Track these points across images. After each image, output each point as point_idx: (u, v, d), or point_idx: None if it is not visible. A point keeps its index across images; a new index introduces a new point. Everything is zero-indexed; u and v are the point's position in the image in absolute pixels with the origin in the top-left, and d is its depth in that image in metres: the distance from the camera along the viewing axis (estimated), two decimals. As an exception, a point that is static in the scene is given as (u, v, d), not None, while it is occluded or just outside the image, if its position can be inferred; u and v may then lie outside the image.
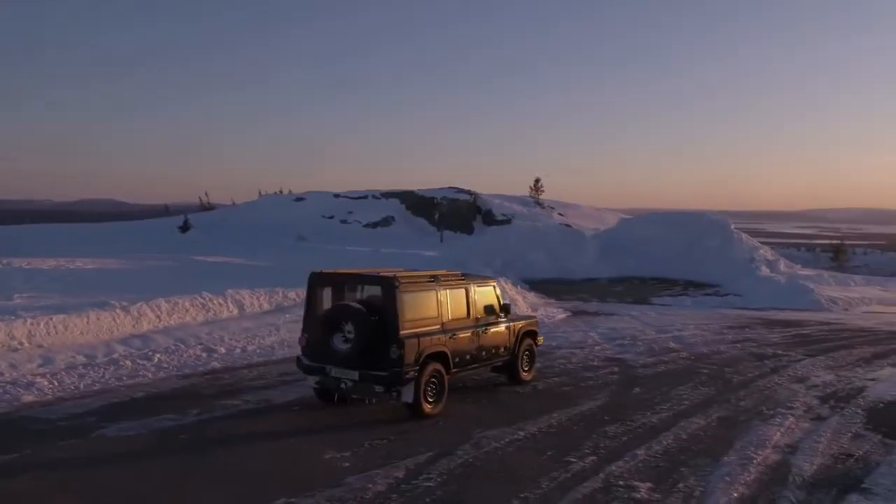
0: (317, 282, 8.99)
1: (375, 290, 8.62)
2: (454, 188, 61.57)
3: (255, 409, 8.93)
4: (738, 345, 14.44)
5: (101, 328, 12.16)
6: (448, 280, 9.25)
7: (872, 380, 11.41)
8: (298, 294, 15.85)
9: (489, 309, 9.83)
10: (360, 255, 36.10)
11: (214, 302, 14.27)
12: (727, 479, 6.61)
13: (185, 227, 40.75)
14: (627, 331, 15.88)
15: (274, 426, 8.27)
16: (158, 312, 13.19)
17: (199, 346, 12.30)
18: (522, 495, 6.13)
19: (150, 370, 10.83)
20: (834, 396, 10.17)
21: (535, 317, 11.66)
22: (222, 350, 12.26)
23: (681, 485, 6.47)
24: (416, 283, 8.69)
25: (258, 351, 12.48)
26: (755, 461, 7.15)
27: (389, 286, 8.33)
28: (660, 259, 33.58)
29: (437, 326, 8.77)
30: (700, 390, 10.27)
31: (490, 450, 7.36)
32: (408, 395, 8.31)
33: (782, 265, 34.97)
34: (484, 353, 9.61)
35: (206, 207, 57.15)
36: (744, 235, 36.85)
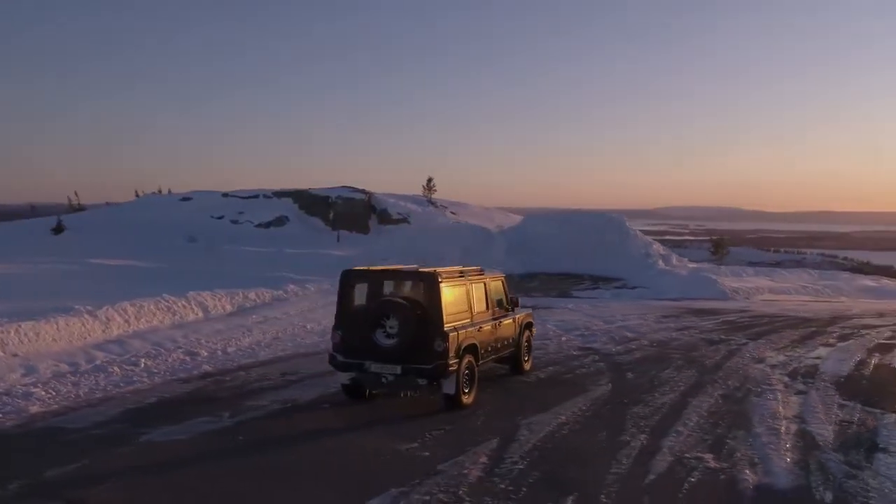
0: (350, 279, 9.05)
1: (416, 286, 8.82)
2: (348, 187, 61.23)
3: (285, 408, 8.85)
4: (684, 332, 15.61)
5: (72, 334, 11.54)
6: (472, 275, 9.58)
7: (817, 358, 12.79)
8: (258, 295, 15.65)
9: (500, 302, 10.25)
10: (265, 255, 35.35)
11: (178, 304, 13.79)
12: (771, 446, 7.39)
13: (58, 229, 38.02)
14: (578, 322, 16.72)
15: (320, 423, 8.26)
16: (126, 316, 12.63)
17: (180, 350, 11.91)
18: (614, 471, 6.61)
19: (143, 376, 10.41)
20: (798, 374, 11.35)
21: (530, 309, 12.15)
22: (204, 353, 11.93)
23: (737, 454, 7.17)
24: (452, 278, 8.97)
25: (240, 353, 12.22)
26: (781, 431, 8.00)
27: (433, 281, 8.56)
28: (563, 255, 35.23)
29: (468, 320, 9.08)
30: (685, 373, 11.15)
31: (547, 434, 7.77)
32: (449, 386, 8.58)
33: (674, 259, 37.56)
34: (499, 345, 10.01)
35: (76, 208, 53.58)
36: (638, 232, 39.28)
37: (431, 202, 64.63)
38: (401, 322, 8.36)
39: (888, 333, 16.61)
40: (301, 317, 15.05)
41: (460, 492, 6.04)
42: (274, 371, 10.92)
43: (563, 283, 28.95)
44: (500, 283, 10.43)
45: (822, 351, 13.63)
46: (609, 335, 14.92)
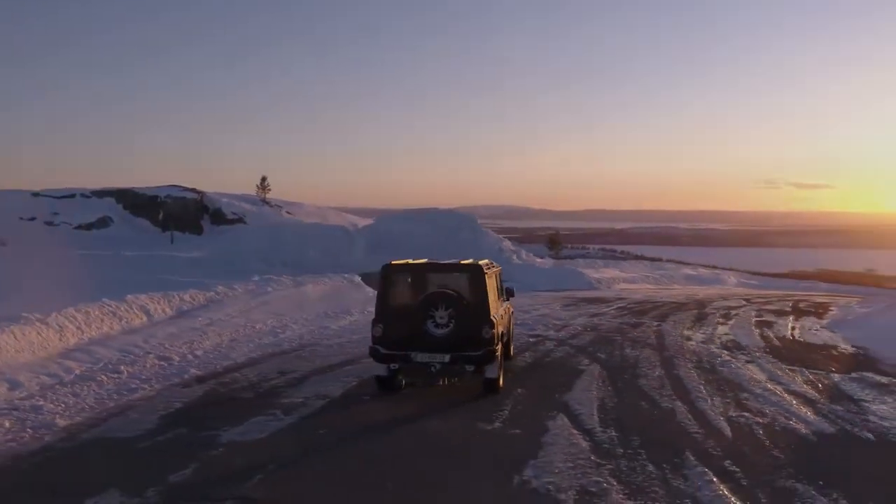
0: (392, 273, 9.26)
1: (461, 277, 9.23)
2: (177, 186, 58.29)
3: (328, 403, 8.79)
4: (597, 318, 17.17)
5: (33, 344, 10.51)
6: (492, 267, 10.15)
7: (726, 334, 14.80)
8: (192, 297, 15.00)
9: (500, 292, 10.91)
10: (103, 259, 33.19)
11: (122, 309, 12.90)
12: (784, 404, 8.76)
13: None
14: (499, 313, 17.74)
15: (384, 413, 8.33)
16: (77, 323, 11.66)
17: (151, 356, 11.23)
18: (695, 431, 7.57)
19: (136, 382, 9.70)
20: (728, 347, 13.14)
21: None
22: (176, 358, 11.34)
23: (767, 410, 8.44)
24: (489, 269, 9.49)
25: (210, 356, 11.70)
26: (777, 391, 9.45)
27: (479, 272, 9.05)
28: (423, 253, 36.21)
29: (496, 309, 9.66)
30: (644, 352, 12.44)
31: (600, 405, 8.56)
32: (492, 371, 9.09)
33: (523, 254, 40.11)
34: (504, 331, 10.67)
35: None
36: (489, 230, 41.41)
37: (266, 202, 63.15)
38: (454, 312, 8.75)
39: (753, 312, 19.37)
40: (243, 317, 14.60)
41: (592, 457, 6.65)
42: (268, 371, 10.68)
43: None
44: (499, 274, 11.09)
45: (722, 329, 15.72)
46: (540, 323, 16.05)
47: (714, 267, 44.15)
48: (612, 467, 6.37)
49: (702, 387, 9.61)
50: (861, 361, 11.86)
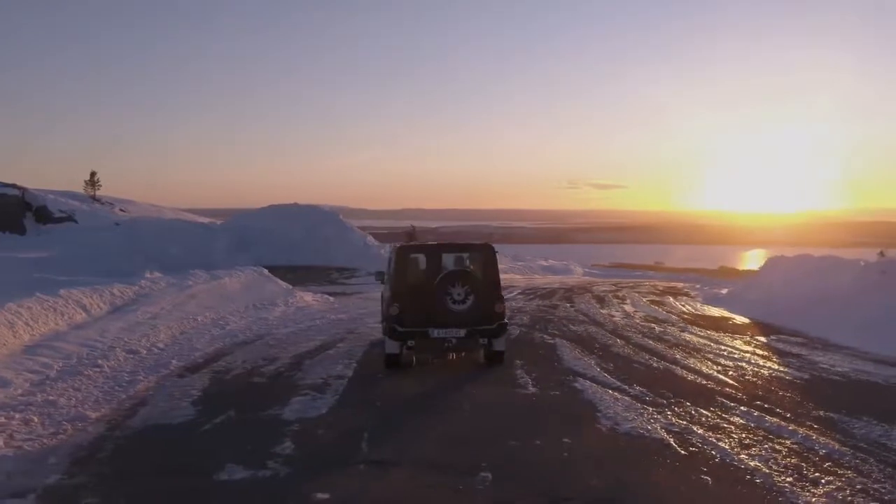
0: (407, 254, 9.53)
1: (474, 256, 9.68)
2: (-6, 182, 52.70)
3: (351, 381, 8.87)
4: (514, 302, 18.18)
5: (-10, 341, 9.65)
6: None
7: (637, 312, 16.40)
8: (121, 291, 14.17)
9: None
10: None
11: (59, 304, 11.95)
12: (776, 369, 10.17)
13: None
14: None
15: (418, 386, 8.67)
16: (24, 320, 10.73)
17: (117, 349, 10.56)
18: (706, 384, 8.65)
19: (125, 375, 9.17)
20: (654, 321, 14.66)
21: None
22: (143, 351, 10.74)
23: (776, 359, 9.77)
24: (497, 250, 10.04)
25: (176, 348, 11.16)
26: (741, 347, 10.87)
27: (491, 251, 9.58)
28: (289, 249, 35.77)
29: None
30: (591, 328, 13.58)
31: (605, 369, 9.44)
32: (500, 344, 9.66)
33: (387, 248, 40.63)
34: None
35: None
36: (354, 226, 41.40)
37: (96, 199, 58.75)
38: (473, 289, 9.21)
39: (636, 294, 21.36)
40: (179, 311, 13.93)
41: (649, 407, 7.47)
42: (251, 359, 10.40)
43: (317, 275, 29.70)
44: None
45: (628, 308, 17.32)
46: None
47: (563, 260, 47.39)
48: (671, 412, 7.22)
49: (671, 351, 10.82)
50: (765, 329, 13.70)
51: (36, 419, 7.14)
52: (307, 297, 18.13)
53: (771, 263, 21.61)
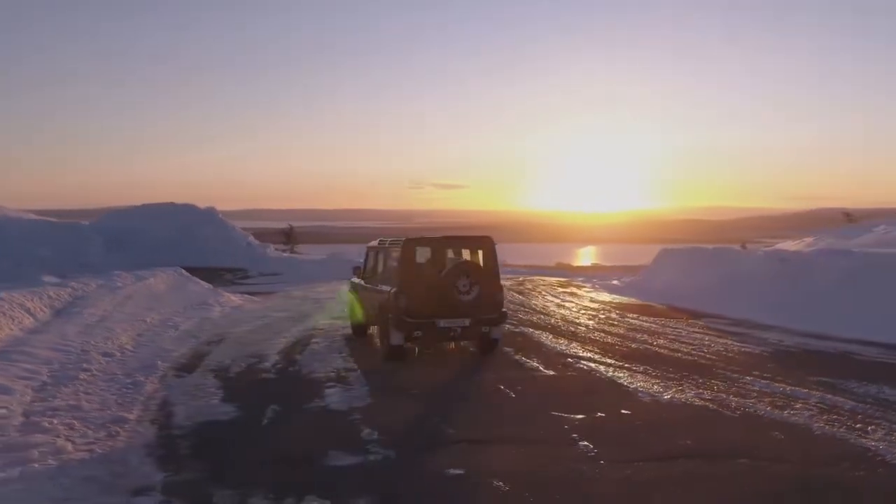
0: (414, 248, 9.72)
1: (476, 250, 10.01)
2: None
3: (367, 373, 9.00)
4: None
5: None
6: None
7: (568, 302, 17.40)
8: (56, 293, 13.25)
9: None
10: None
11: (5, 307, 11.08)
12: (709, 334, 11.28)
13: None
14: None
15: (434, 375, 8.95)
16: (-19, 323, 9.94)
17: (93, 352, 10.05)
18: (692, 358, 9.56)
19: (120, 377, 8.82)
20: (590, 310, 15.67)
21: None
22: (118, 354, 10.26)
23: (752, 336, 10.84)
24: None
25: (149, 349, 10.71)
26: (690, 331, 11.97)
27: (492, 244, 9.97)
28: (166, 248, 34.16)
29: None
30: (552, 320, 14.35)
31: (597, 350, 10.17)
32: (498, 332, 10.11)
33: (272, 248, 39.62)
34: None
35: None
36: (235, 225, 40.01)
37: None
38: (479, 280, 9.59)
39: (544, 287, 22.48)
40: (123, 312, 13.12)
41: (659, 380, 8.25)
42: (236, 358, 10.26)
43: (210, 276, 28.27)
44: None
45: (554, 298, 18.32)
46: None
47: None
48: (690, 384, 8.01)
49: (634, 334, 11.77)
50: (688, 313, 14.96)
51: (77, 423, 6.79)
52: (234, 298, 17.66)
53: (662, 256, 23.44)
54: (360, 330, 11.99)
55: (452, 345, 10.37)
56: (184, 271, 19.05)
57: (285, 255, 38.83)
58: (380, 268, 10.80)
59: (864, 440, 5.89)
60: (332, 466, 5.59)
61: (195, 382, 8.73)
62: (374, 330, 11.38)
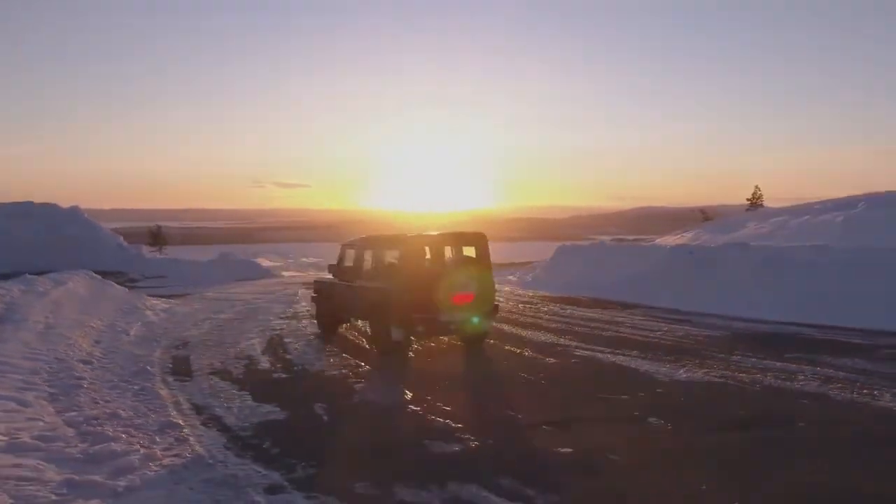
0: (418, 245, 9.87)
1: (471, 244, 10.29)
2: None
3: (382, 369, 9.18)
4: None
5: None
6: None
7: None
8: (-12, 299, 12.14)
9: None
10: None
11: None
12: (649, 321, 12.28)
13: None
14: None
15: (449, 364, 9.25)
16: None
17: (74, 359, 9.45)
18: (656, 341, 10.44)
19: (133, 387, 8.55)
20: (531, 303, 16.41)
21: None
22: (95, 362, 9.69)
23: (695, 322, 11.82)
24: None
25: (121, 354, 10.26)
26: (628, 320, 12.93)
27: (484, 239, 10.33)
28: (28, 251, 31.78)
29: None
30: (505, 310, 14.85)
31: (576, 336, 10.84)
32: (486, 324, 10.53)
33: (145, 249, 37.47)
34: None
35: None
36: (102, 225, 37.42)
37: None
38: (479, 275, 9.96)
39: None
40: (62, 317, 12.06)
41: (646, 360, 9.03)
42: (222, 359, 10.12)
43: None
44: None
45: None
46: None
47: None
48: (693, 365, 8.82)
49: (593, 324, 12.56)
50: (618, 304, 16.18)
51: (133, 431, 6.55)
52: (157, 302, 16.79)
53: (561, 252, 24.70)
54: (331, 328, 11.97)
55: (446, 338, 10.64)
56: (95, 274, 17.81)
57: (159, 256, 36.94)
58: (367, 265, 10.87)
59: (879, 402, 6.87)
60: (441, 454, 5.77)
61: (205, 386, 8.50)
62: (364, 327, 11.45)
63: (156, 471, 5.36)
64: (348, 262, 11.49)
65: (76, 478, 5.08)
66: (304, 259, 43.68)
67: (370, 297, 10.38)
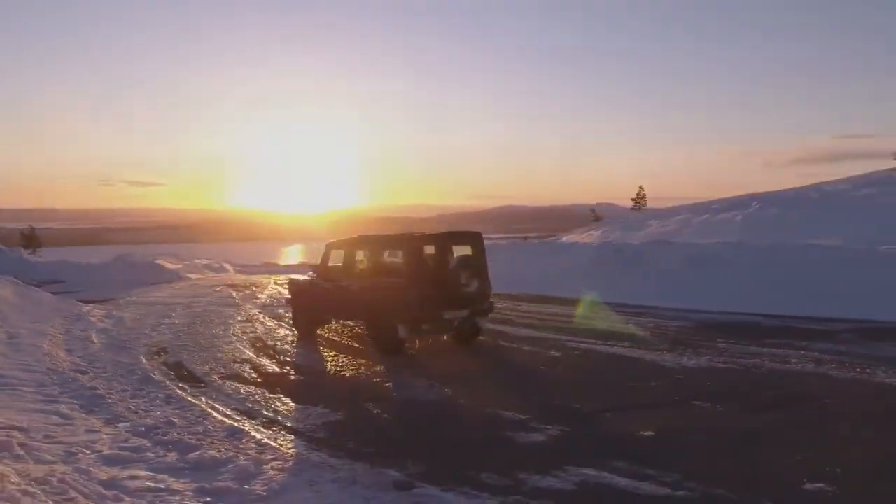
0: (421, 245, 9.97)
1: (470, 243, 10.49)
2: None
3: (397, 370, 9.27)
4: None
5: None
6: None
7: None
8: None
9: None
10: None
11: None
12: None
13: None
14: (240, 301, 17.37)
15: (463, 362, 9.48)
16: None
17: (65, 371, 8.97)
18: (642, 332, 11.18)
19: (147, 394, 8.24)
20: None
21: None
22: (91, 372, 9.26)
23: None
24: None
25: (103, 364, 9.78)
26: (598, 308, 13.70)
27: (481, 238, 10.59)
28: None
29: None
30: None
31: (559, 330, 11.36)
32: (483, 322, 10.85)
33: (23, 252, 34.75)
34: None
35: None
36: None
37: None
38: (478, 274, 10.24)
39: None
40: (16, 326, 11.37)
41: (638, 345, 9.72)
42: (218, 363, 9.89)
43: None
44: None
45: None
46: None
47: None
48: (693, 353, 9.51)
49: (559, 318, 13.19)
50: (560, 299, 16.89)
51: (208, 439, 6.40)
52: (93, 308, 15.82)
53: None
54: (311, 330, 11.87)
55: (445, 336, 10.86)
56: (13, 278, 16.49)
57: (42, 259, 34.36)
58: (360, 265, 10.90)
59: (878, 379, 7.81)
60: (532, 443, 6.04)
61: (229, 390, 8.29)
62: (350, 328, 11.40)
63: (279, 474, 5.31)
64: (335, 262, 11.43)
65: (206, 486, 4.96)
66: (198, 260, 41.95)
67: (371, 297, 10.40)
